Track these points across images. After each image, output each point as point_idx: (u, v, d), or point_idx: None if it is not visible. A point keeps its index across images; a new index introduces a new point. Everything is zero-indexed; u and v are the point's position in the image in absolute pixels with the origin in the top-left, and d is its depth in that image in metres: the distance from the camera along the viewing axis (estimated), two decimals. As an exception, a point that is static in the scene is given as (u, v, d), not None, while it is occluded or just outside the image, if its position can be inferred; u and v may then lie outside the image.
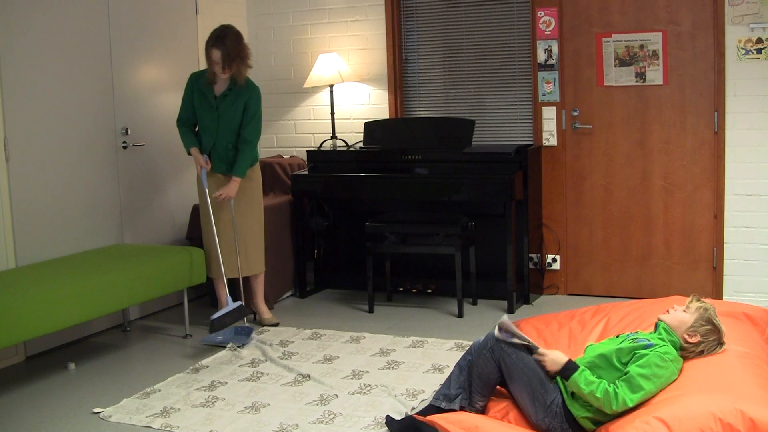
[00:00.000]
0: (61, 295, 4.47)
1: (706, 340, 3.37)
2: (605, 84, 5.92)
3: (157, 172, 6.10)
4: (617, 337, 3.52)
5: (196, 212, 5.78)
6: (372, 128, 6.27)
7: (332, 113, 6.61)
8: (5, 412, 4.25)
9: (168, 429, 3.93)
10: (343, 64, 6.53)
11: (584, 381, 3.21)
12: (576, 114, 6.02)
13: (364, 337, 5.24)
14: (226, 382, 4.52)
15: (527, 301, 5.91)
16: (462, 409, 3.51)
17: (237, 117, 5.28)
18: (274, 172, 6.50)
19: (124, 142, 5.78)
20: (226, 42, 5.15)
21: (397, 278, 6.13)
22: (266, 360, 4.87)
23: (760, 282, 5.59)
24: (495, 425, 3.30)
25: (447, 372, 4.24)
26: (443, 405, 3.56)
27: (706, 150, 5.71)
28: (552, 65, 6.01)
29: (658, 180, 5.85)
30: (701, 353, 3.37)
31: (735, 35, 5.46)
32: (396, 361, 4.76)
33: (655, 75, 5.78)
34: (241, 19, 6.87)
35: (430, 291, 5.99)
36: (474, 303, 5.94)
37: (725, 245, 5.67)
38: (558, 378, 3.35)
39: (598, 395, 3.17)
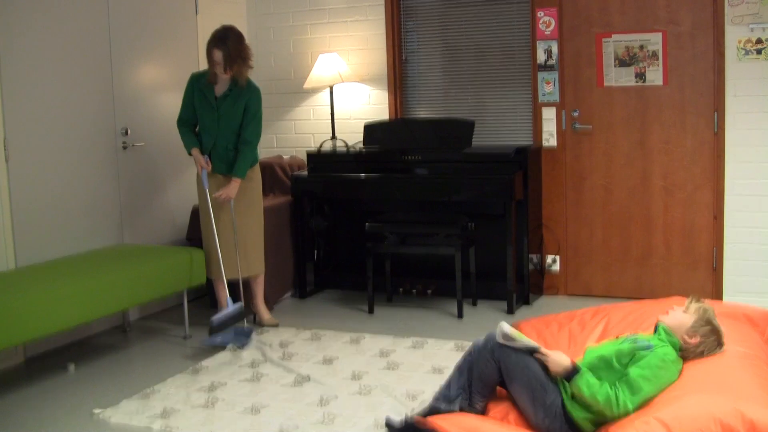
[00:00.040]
0: (60, 297, 4.48)
1: (705, 341, 3.38)
2: (605, 84, 5.92)
3: (157, 173, 6.10)
4: (617, 338, 3.52)
5: (195, 213, 5.77)
6: (372, 129, 6.27)
7: (332, 113, 6.61)
8: (5, 413, 4.25)
9: (168, 430, 3.93)
10: (343, 65, 6.53)
11: (586, 384, 3.21)
12: (576, 114, 6.01)
13: (364, 338, 5.24)
14: (226, 383, 4.52)
15: (527, 302, 5.91)
16: (462, 410, 3.50)
17: (237, 118, 5.28)
18: (274, 172, 6.50)
19: (124, 142, 5.78)
20: (228, 43, 5.15)
21: (397, 279, 6.13)
22: (266, 361, 4.87)
23: (760, 282, 5.58)
24: (495, 427, 3.30)
25: (447, 373, 4.23)
26: (443, 406, 3.55)
27: (706, 150, 5.70)
28: (552, 66, 6.01)
29: (658, 180, 5.85)
30: (701, 354, 3.38)
31: (735, 35, 5.46)
32: (396, 362, 4.76)
33: (654, 75, 5.77)
34: (241, 19, 6.87)
35: (429, 291, 5.99)
36: (474, 303, 5.94)
37: (725, 245, 5.67)
38: (558, 379, 3.34)
39: (599, 399, 3.17)
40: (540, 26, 5.99)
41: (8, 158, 4.93)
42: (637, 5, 5.77)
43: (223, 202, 5.29)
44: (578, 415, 3.27)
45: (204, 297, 6.22)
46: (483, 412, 3.52)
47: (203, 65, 5.60)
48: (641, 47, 5.77)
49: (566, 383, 3.31)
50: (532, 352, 3.42)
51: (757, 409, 2.90)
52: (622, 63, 5.84)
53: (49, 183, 5.22)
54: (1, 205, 4.90)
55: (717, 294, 5.70)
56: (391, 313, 5.86)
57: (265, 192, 6.07)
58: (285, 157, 6.86)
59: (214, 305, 5.67)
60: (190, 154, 5.36)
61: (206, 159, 5.30)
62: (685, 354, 3.37)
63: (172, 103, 5.74)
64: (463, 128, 5.97)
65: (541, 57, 6.02)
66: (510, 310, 5.70)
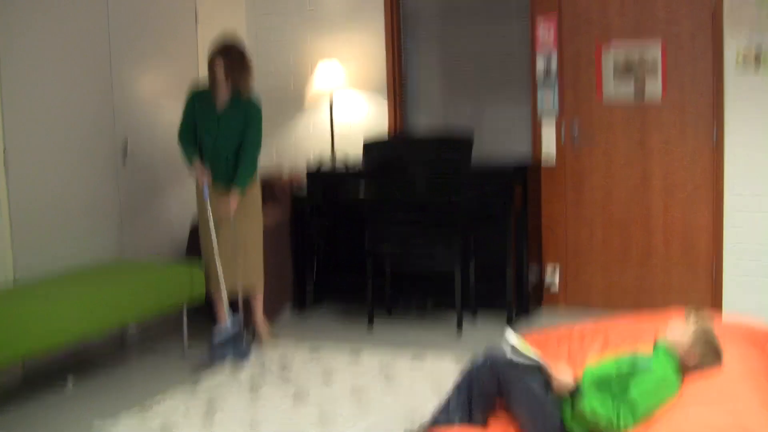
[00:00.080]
0: (59, 312, 4.47)
1: (704, 357, 3.37)
2: (604, 96, 5.92)
3: (157, 185, 6.10)
4: (616, 359, 3.51)
5: (195, 228, 5.76)
6: (370, 147, 6.25)
7: (331, 125, 6.61)
8: (5, 428, 4.24)
9: (166, 447, 3.93)
10: (342, 74, 6.54)
11: (588, 403, 3.20)
12: (575, 126, 6.02)
13: (364, 353, 5.23)
14: (225, 398, 4.51)
15: (527, 314, 5.90)
16: (462, 425, 3.49)
17: (238, 131, 5.27)
18: (273, 186, 6.48)
19: (124, 153, 5.78)
20: (231, 54, 5.17)
21: (397, 292, 6.12)
22: (265, 377, 4.86)
23: (759, 282, 5.57)
24: (495, 441, 3.30)
25: (447, 387, 4.21)
26: (442, 421, 3.54)
27: (705, 162, 5.70)
28: (551, 77, 6.01)
29: (656, 193, 5.85)
30: (700, 368, 3.37)
31: (734, 47, 5.47)
32: (395, 376, 4.75)
33: (653, 87, 5.78)
34: (241, 27, 6.88)
35: (429, 304, 5.98)
36: (474, 314, 5.92)
37: (724, 258, 5.67)
38: (558, 396, 3.33)
39: (600, 419, 3.16)
40: (539, 37, 5.99)
41: (8, 169, 4.93)
42: (635, 17, 5.77)
43: (223, 215, 5.28)
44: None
45: (203, 311, 6.19)
46: (483, 427, 3.51)
47: (203, 74, 5.59)
48: (640, 59, 5.78)
49: (566, 401, 3.30)
50: (539, 369, 3.40)
51: (758, 427, 2.89)
52: (621, 74, 5.84)
53: (48, 194, 5.22)
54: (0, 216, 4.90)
55: (716, 301, 5.69)
56: (391, 326, 5.86)
57: (265, 208, 6.05)
58: (285, 169, 6.85)
59: (214, 320, 5.65)
60: (191, 166, 5.36)
61: (207, 172, 5.30)
62: (684, 369, 3.37)
63: (172, 114, 5.71)
64: (462, 146, 5.93)
65: (540, 68, 6.03)
66: (509, 322, 5.69)
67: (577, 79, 6.00)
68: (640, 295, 5.95)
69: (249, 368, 5.02)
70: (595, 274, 6.08)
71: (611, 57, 5.87)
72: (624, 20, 5.82)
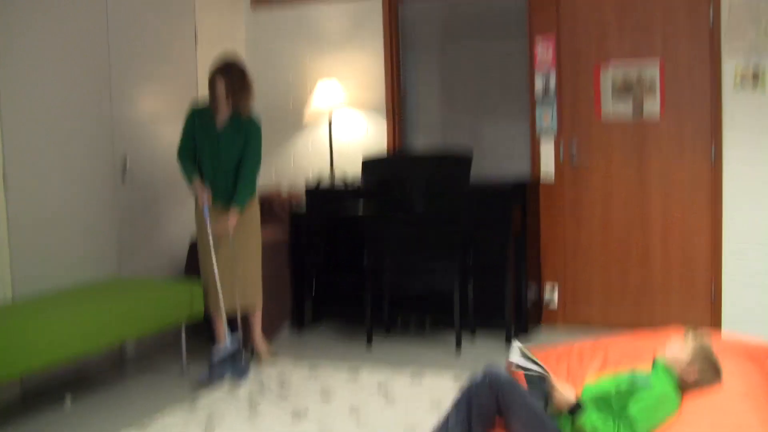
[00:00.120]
0: (58, 329, 4.46)
1: (703, 374, 3.37)
2: (603, 115, 5.95)
3: (156, 203, 6.11)
4: (615, 376, 3.51)
5: (193, 246, 5.76)
6: (369, 165, 6.27)
7: (330, 144, 6.62)
8: (1, 447, 4.24)
9: (164, 465, 3.91)
10: (341, 93, 6.56)
11: (589, 421, 3.19)
12: (574, 146, 6.03)
13: (362, 371, 5.22)
14: (224, 416, 4.49)
15: (526, 333, 5.89)
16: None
17: (238, 150, 5.28)
18: (272, 205, 6.49)
19: (124, 171, 5.78)
20: (231, 73, 5.18)
21: (396, 310, 6.12)
22: (263, 395, 4.85)
23: (759, 313, 5.57)
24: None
25: (445, 405, 4.20)
26: (442, 440, 3.53)
27: (704, 180, 5.71)
28: (549, 95, 6.03)
29: (655, 212, 5.86)
30: (699, 386, 3.37)
31: (731, 66, 5.49)
32: (394, 395, 4.74)
33: (652, 105, 5.80)
34: (240, 47, 6.91)
35: (428, 323, 5.98)
36: (472, 333, 5.92)
37: (723, 276, 5.67)
38: (558, 415, 3.32)
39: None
40: (538, 58, 6.02)
41: (7, 186, 4.93)
42: (633, 37, 5.81)
43: (222, 234, 5.28)
44: (577, 449, 3.26)
45: (201, 329, 6.19)
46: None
47: (202, 93, 5.60)
48: (638, 79, 5.80)
49: (566, 419, 3.29)
50: (542, 380, 3.39)
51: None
52: (619, 94, 5.87)
53: (47, 212, 5.22)
54: (-1, 234, 4.92)
55: (715, 324, 5.69)
56: (390, 345, 5.85)
57: (263, 224, 6.06)
58: (283, 188, 6.87)
59: (212, 338, 5.64)
60: (190, 185, 5.37)
61: (207, 191, 5.30)
62: (684, 387, 3.37)
63: (171, 133, 5.74)
64: (461, 164, 5.96)
65: (539, 88, 6.05)
66: (508, 340, 5.69)
67: (575, 97, 6.02)
68: (639, 314, 5.94)
69: (247, 386, 5.01)
70: (593, 293, 6.08)
71: (609, 76, 5.89)
72: (622, 40, 5.86)
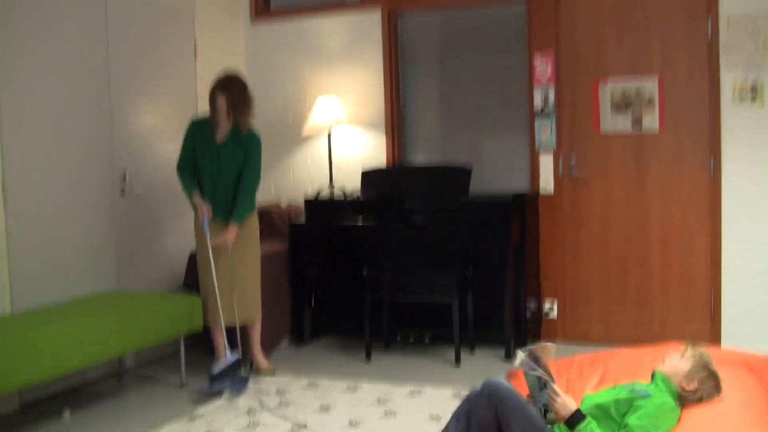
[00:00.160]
0: (57, 342, 4.44)
1: (703, 387, 3.36)
2: (602, 130, 5.96)
3: (155, 217, 6.10)
4: (614, 387, 3.50)
5: (192, 259, 5.76)
6: (369, 177, 6.28)
7: (330, 159, 6.63)
8: (-1, 460, 4.22)
9: (163, 478, 3.89)
10: (341, 109, 6.57)
11: (590, 432, 3.19)
12: (573, 160, 6.04)
13: (361, 386, 5.21)
14: (223, 430, 4.48)
15: (525, 348, 5.87)
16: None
17: (238, 165, 5.29)
18: (272, 219, 6.50)
19: (123, 187, 5.79)
20: (232, 88, 5.20)
21: (395, 325, 6.11)
22: (262, 409, 4.84)
23: (759, 328, 5.56)
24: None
25: (444, 421, 4.20)
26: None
27: (703, 194, 5.72)
28: (549, 111, 6.05)
29: (654, 226, 5.86)
30: (700, 400, 3.36)
31: (730, 80, 5.51)
32: (393, 410, 4.73)
33: (651, 120, 5.81)
34: (240, 62, 6.93)
35: (427, 338, 5.97)
36: (472, 349, 5.91)
37: (722, 291, 5.66)
38: (557, 426, 3.32)
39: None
40: (537, 72, 6.04)
41: (6, 200, 4.93)
42: (632, 52, 5.83)
43: (221, 248, 5.28)
44: (577, 461, 3.25)
45: (201, 343, 6.18)
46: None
47: (202, 109, 5.61)
48: (637, 93, 5.82)
49: (565, 429, 3.28)
50: (544, 384, 3.39)
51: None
52: (618, 109, 5.89)
53: (47, 225, 5.22)
54: (-2, 249, 4.91)
55: (715, 340, 5.68)
56: (389, 360, 5.84)
57: (263, 239, 6.06)
58: (282, 202, 6.87)
59: (212, 352, 5.64)
60: (190, 199, 5.37)
61: (207, 206, 5.30)
62: (684, 401, 3.36)
63: (171, 148, 5.76)
64: (461, 176, 5.99)
65: (538, 102, 6.07)
66: (508, 356, 5.68)
67: (574, 112, 6.03)
68: (639, 329, 5.94)
69: (247, 399, 5.00)
70: (593, 308, 6.08)
71: (608, 91, 5.91)
72: (621, 56, 5.88)
